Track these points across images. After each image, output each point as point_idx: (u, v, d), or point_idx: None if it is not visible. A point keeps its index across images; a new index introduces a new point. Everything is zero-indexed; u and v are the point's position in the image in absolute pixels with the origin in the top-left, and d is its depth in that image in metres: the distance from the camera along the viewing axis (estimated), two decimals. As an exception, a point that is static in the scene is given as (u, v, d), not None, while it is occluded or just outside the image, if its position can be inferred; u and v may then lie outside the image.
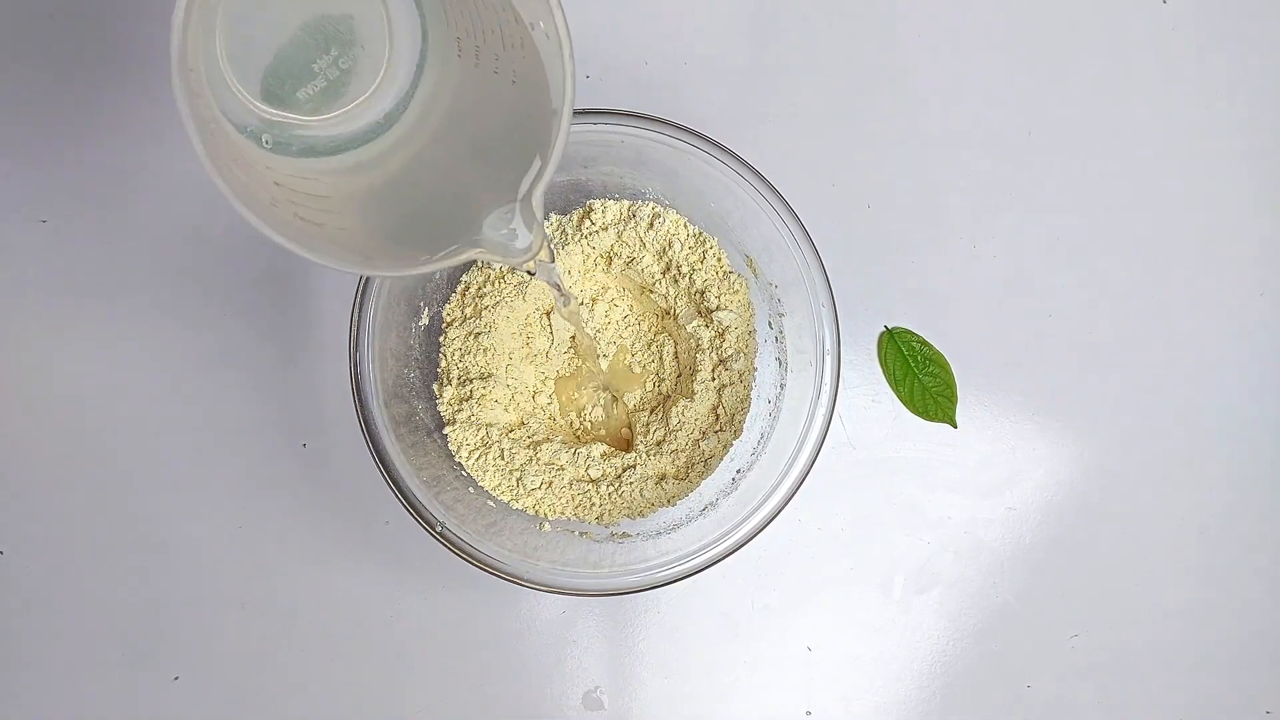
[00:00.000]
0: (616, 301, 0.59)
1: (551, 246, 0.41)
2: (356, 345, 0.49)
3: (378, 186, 0.39)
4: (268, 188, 0.34)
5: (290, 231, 0.33)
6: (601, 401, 0.59)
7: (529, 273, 0.40)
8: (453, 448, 0.55)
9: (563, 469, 0.55)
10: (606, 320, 0.59)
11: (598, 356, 0.58)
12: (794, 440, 0.52)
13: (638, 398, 0.59)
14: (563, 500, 0.55)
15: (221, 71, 0.35)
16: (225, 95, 0.35)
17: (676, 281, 0.57)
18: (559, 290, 0.48)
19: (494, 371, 0.56)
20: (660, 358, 0.59)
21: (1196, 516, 0.62)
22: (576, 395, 0.59)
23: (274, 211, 0.33)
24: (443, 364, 0.56)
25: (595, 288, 0.59)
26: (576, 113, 0.50)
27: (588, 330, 0.57)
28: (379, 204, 0.39)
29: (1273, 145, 0.64)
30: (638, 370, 0.59)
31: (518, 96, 0.38)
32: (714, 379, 0.57)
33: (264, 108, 0.36)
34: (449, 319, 0.57)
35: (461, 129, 0.39)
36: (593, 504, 0.55)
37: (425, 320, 0.56)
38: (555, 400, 0.59)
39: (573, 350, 0.59)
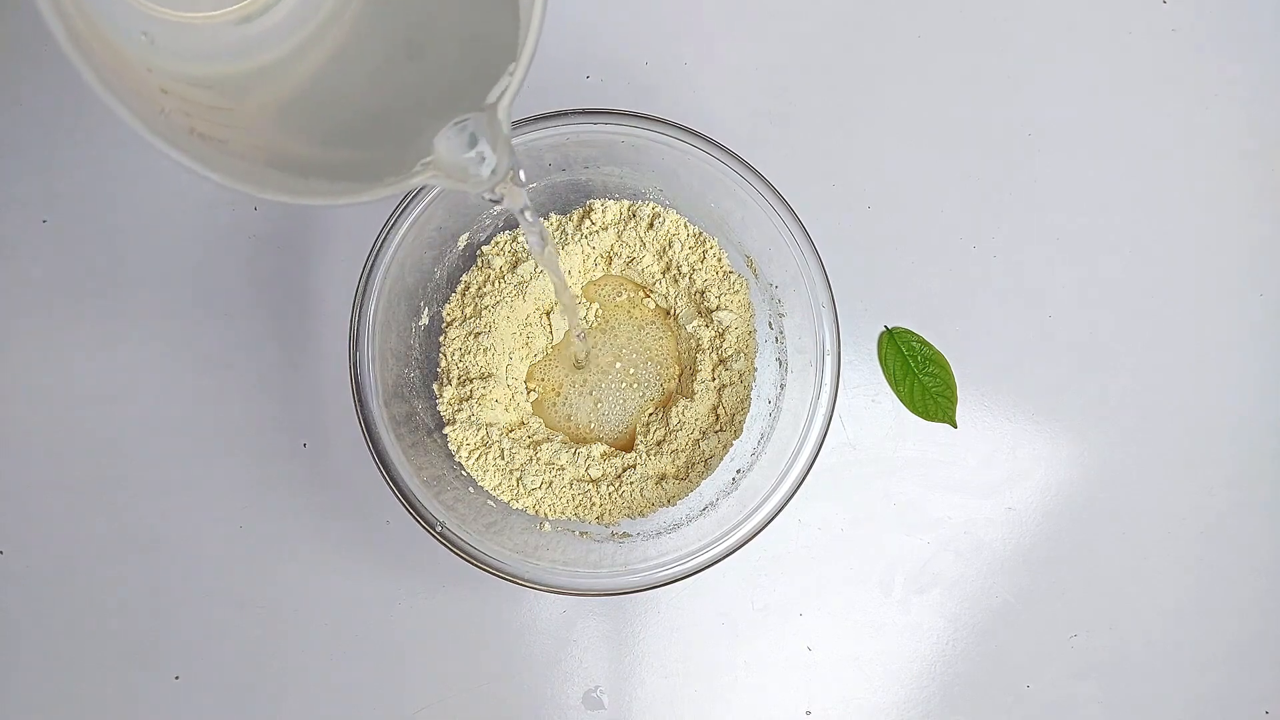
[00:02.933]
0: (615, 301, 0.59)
1: (520, 170, 0.35)
2: (356, 345, 0.49)
3: (289, 98, 0.33)
4: (154, 96, 0.29)
5: (186, 145, 0.28)
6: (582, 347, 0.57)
7: (493, 201, 0.35)
8: (453, 447, 0.55)
9: (563, 469, 0.55)
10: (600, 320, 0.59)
11: (576, 306, 0.56)
12: (794, 440, 0.52)
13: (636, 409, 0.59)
14: (563, 500, 0.55)
15: None
16: None
17: (676, 281, 0.57)
18: (528, 223, 0.41)
19: (494, 371, 0.56)
20: (660, 358, 0.59)
21: (1196, 516, 0.62)
22: (554, 376, 0.58)
23: (166, 122, 0.28)
24: (443, 364, 0.56)
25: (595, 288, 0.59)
26: (576, 113, 0.50)
27: (566, 278, 0.53)
28: (292, 119, 0.33)
29: (1272, 145, 0.64)
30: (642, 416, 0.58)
31: None
32: (714, 379, 0.57)
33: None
34: (449, 319, 0.57)
35: (389, 24, 0.33)
36: (593, 504, 0.55)
37: (425, 320, 0.56)
38: (533, 388, 0.58)
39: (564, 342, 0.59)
